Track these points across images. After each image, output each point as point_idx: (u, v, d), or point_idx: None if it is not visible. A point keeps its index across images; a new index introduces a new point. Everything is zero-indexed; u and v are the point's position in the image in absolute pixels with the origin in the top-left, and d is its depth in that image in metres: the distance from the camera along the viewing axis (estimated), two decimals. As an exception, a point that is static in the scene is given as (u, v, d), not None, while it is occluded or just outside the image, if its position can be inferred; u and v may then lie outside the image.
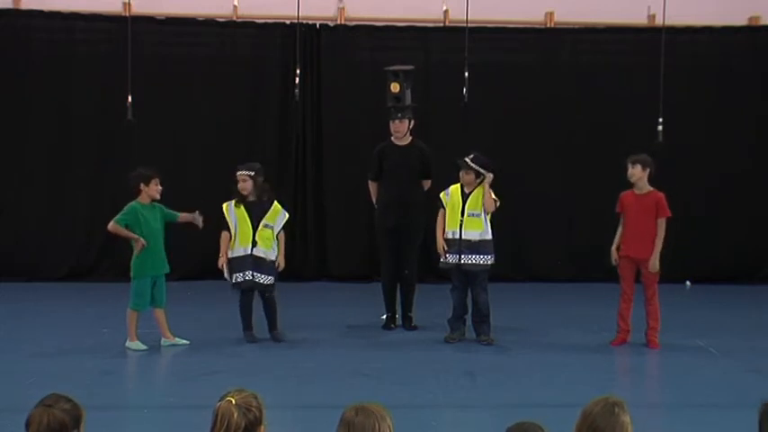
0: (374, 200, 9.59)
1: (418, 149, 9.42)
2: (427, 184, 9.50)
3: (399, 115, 9.30)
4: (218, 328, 9.17)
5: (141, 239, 8.31)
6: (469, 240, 8.71)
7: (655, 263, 8.66)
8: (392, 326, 9.40)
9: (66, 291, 11.54)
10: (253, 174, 8.71)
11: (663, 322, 8.92)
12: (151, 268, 8.39)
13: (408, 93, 9.40)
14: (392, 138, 9.39)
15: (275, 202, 8.85)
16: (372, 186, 9.56)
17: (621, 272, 8.86)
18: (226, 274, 8.70)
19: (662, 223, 8.69)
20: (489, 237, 8.74)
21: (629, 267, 8.82)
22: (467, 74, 10.67)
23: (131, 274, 8.47)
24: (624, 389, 7.55)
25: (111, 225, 8.40)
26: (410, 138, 9.42)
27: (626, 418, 3.46)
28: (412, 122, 9.40)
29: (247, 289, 8.72)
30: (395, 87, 9.33)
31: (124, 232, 8.36)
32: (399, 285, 9.43)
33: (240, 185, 8.70)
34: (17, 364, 7.84)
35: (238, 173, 8.73)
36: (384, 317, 9.47)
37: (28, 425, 3.40)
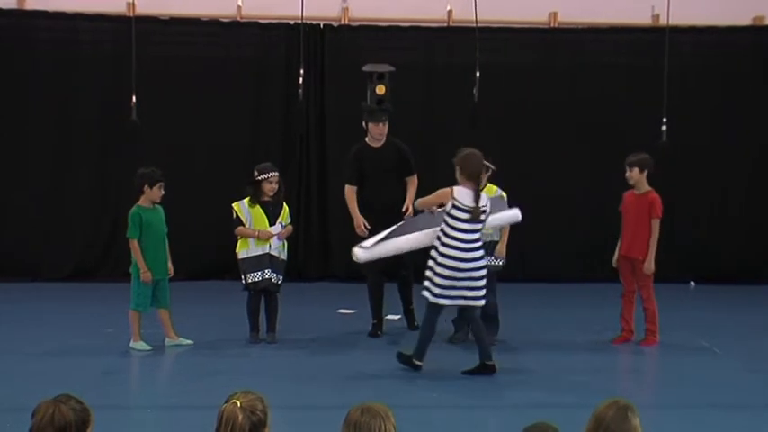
0: (352, 205, 9.11)
1: (395, 148, 9.18)
2: (413, 180, 9.26)
3: (384, 118, 9.09)
4: (221, 328, 9.18)
5: (148, 273, 8.30)
6: None
7: (649, 265, 8.70)
8: (378, 333, 9.19)
9: (69, 290, 11.56)
10: (278, 175, 8.77)
11: (667, 322, 8.95)
12: (152, 271, 8.36)
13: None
14: (367, 139, 9.16)
15: (284, 202, 8.91)
16: (351, 191, 9.15)
17: (621, 271, 8.97)
18: (276, 238, 8.69)
19: (655, 224, 8.73)
20: (498, 238, 8.74)
21: (627, 267, 8.89)
22: (478, 74, 10.64)
23: (132, 274, 8.48)
24: (628, 389, 7.56)
25: (131, 243, 8.37)
26: (384, 138, 9.21)
27: (636, 422, 3.48)
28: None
29: (262, 289, 8.72)
30: (380, 89, 9.17)
31: (139, 255, 8.33)
32: (398, 286, 9.39)
33: (271, 186, 8.68)
34: (20, 364, 7.85)
35: (271, 174, 8.69)
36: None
37: (33, 414, 3.42)
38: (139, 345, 8.40)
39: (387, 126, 9.10)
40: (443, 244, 7.53)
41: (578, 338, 9.15)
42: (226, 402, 3.42)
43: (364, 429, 3.37)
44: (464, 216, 7.47)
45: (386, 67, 9.37)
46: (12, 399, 6.63)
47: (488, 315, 8.83)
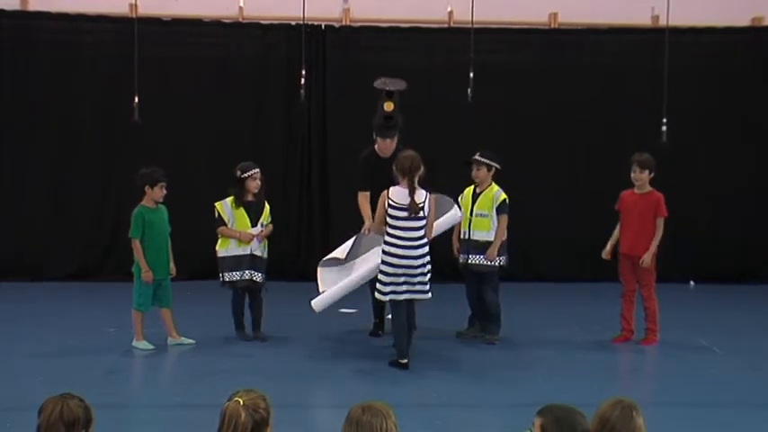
0: (365, 210, 8.82)
1: None
2: None
3: (391, 134, 9.01)
4: (223, 327, 9.18)
5: (149, 273, 8.35)
6: (477, 240, 8.78)
7: (647, 259, 8.72)
8: (379, 333, 9.20)
9: (71, 290, 11.59)
10: (260, 171, 8.85)
11: (667, 321, 8.98)
12: (154, 270, 8.42)
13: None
14: (375, 147, 9.09)
15: (265, 201, 9.01)
16: (364, 197, 8.88)
17: (621, 271, 8.98)
18: (256, 239, 8.76)
19: (660, 223, 8.77)
20: (492, 239, 8.77)
21: (628, 266, 8.91)
22: (471, 74, 10.67)
23: (134, 274, 8.52)
24: (628, 388, 7.59)
25: (134, 243, 8.42)
26: (391, 152, 9.07)
27: (641, 421, 3.52)
28: (397, 139, 9.11)
29: (243, 288, 8.81)
30: (389, 106, 9.14)
31: (141, 255, 8.38)
32: None
33: (255, 183, 8.79)
34: (23, 363, 7.89)
35: (254, 171, 8.80)
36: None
37: (40, 412, 3.45)
38: (142, 344, 8.43)
39: (395, 142, 8.99)
40: (385, 242, 7.79)
41: (579, 337, 9.19)
42: (228, 401, 3.45)
43: (366, 427, 3.40)
44: (401, 214, 7.69)
45: (397, 84, 9.28)
46: (14, 398, 6.66)
47: (490, 314, 8.91)
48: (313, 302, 8.36)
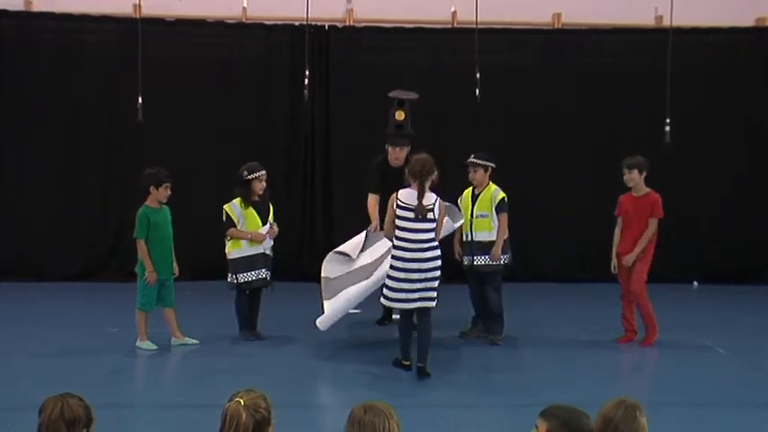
0: (372, 210, 9.10)
1: None
2: None
3: (402, 143, 9.09)
4: (226, 327, 9.20)
5: (154, 274, 8.36)
6: (480, 241, 8.79)
7: (630, 258, 8.71)
8: (385, 322, 9.45)
9: (72, 291, 11.60)
10: (266, 173, 8.87)
11: (669, 321, 9.01)
12: (158, 271, 8.42)
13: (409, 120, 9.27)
14: (388, 156, 9.21)
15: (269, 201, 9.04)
16: (374, 199, 9.09)
17: (620, 272, 8.96)
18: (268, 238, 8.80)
19: (652, 223, 8.76)
20: (495, 238, 8.78)
21: (626, 268, 8.88)
22: (478, 74, 10.68)
23: (137, 274, 8.53)
24: (628, 387, 7.60)
25: (138, 244, 8.42)
26: (402, 161, 9.17)
27: (644, 421, 3.51)
28: (409, 148, 9.15)
29: (258, 287, 8.81)
30: (399, 115, 9.17)
31: (146, 255, 8.38)
32: None
33: (261, 185, 8.82)
34: (25, 363, 7.91)
35: (260, 172, 8.81)
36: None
37: (40, 412, 3.45)
38: (146, 344, 8.45)
39: (405, 151, 9.00)
40: (394, 246, 7.64)
41: (581, 338, 9.19)
42: (229, 401, 3.46)
43: (368, 427, 3.40)
44: (409, 215, 7.53)
45: (410, 95, 9.35)
46: (16, 398, 6.67)
47: (493, 314, 8.92)
48: (318, 322, 8.32)
